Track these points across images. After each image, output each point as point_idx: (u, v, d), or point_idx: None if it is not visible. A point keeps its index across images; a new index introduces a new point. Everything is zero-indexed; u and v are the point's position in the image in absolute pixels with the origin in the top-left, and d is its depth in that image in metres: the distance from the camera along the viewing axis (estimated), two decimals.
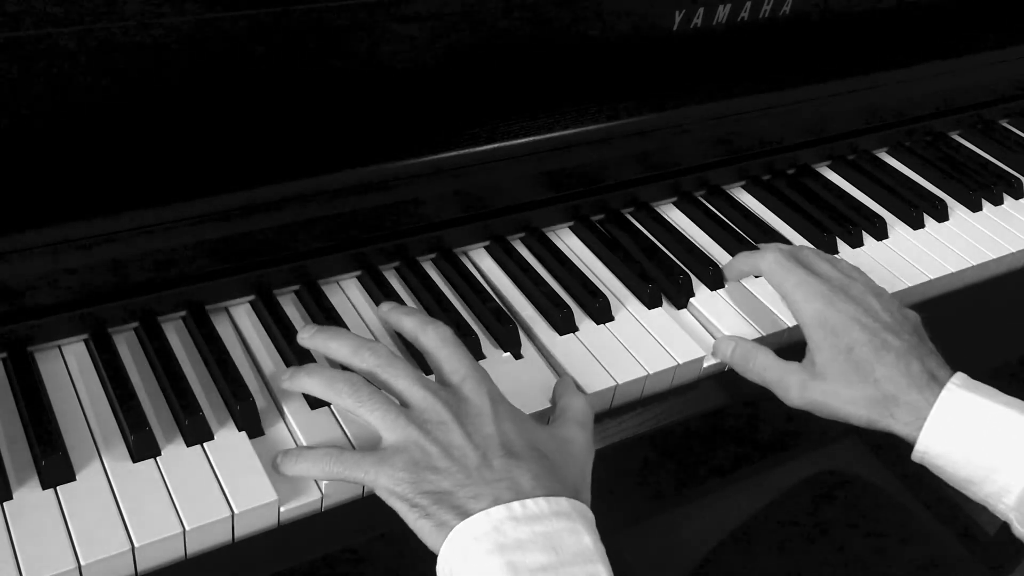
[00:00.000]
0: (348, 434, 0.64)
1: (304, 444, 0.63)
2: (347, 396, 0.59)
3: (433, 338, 0.63)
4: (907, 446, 0.68)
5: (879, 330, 0.69)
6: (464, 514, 0.54)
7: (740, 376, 0.76)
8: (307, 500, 0.60)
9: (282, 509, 0.59)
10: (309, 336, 0.64)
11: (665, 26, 0.85)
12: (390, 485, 0.56)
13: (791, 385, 0.71)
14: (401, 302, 0.74)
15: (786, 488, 1.04)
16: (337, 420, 0.64)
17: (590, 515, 0.57)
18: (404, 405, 0.59)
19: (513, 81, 0.81)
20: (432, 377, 0.63)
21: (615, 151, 0.84)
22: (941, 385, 0.67)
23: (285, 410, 0.65)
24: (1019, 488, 0.64)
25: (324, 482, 0.60)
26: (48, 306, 0.64)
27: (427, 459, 0.56)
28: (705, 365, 0.75)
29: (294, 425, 0.64)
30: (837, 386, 0.69)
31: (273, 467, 0.60)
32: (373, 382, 0.61)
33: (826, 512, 1.00)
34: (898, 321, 0.71)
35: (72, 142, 0.65)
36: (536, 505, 0.54)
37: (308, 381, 0.61)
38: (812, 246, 0.84)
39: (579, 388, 0.70)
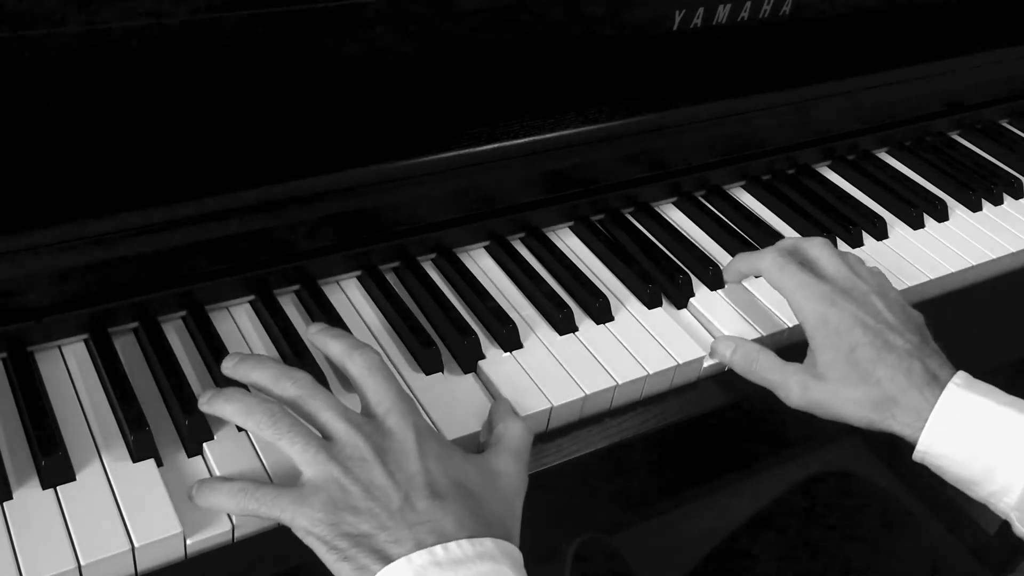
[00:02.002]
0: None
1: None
2: (266, 427, 0.56)
3: (359, 365, 0.60)
4: (908, 446, 0.68)
5: (882, 331, 0.69)
6: (385, 559, 0.52)
7: (739, 376, 0.76)
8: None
9: None
10: (232, 366, 0.61)
11: (665, 26, 0.85)
12: (307, 526, 0.53)
13: (792, 386, 0.70)
14: (401, 302, 0.74)
15: (786, 488, 1.04)
16: None
17: (517, 554, 0.55)
18: (327, 438, 0.57)
19: (513, 81, 0.81)
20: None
21: (615, 151, 0.84)
22: (942, 385, 0.67)
23: None
24: (1020, 487, 0.64)
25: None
26: (48, 306, 0.64)
27: (347, 499, 0.53)
28: (705, 365, 0.75)
29: None
30: (838, 386, 0.69)
31: (189, 497, 0.57)
32: (297, 413, 0.58)
33: (826, 512, 1.00)
34: (901, 321, 0.71)
35: (72, 142, 0.65)
36: (459, 548, 0.52)
37: (227, 407, 0.58)
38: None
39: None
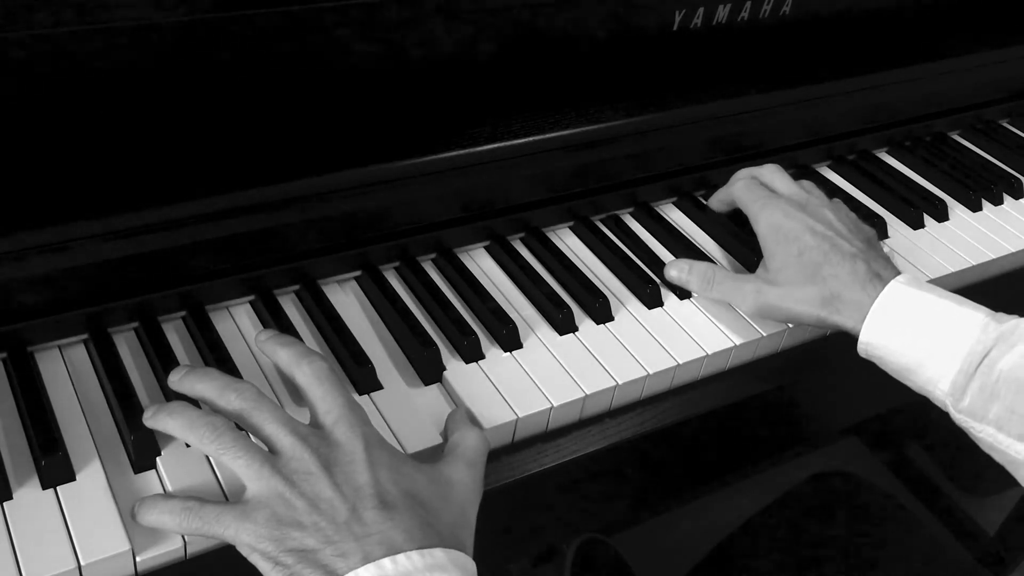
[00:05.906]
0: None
1: None
2: (209, 442, 0.55)
3: (307, 374, 0.59)
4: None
5: (831, 237, 0.75)
6: (331, 574, 0.51)
7: (740, 377, 0.77)
8: None
9: None
10: (178, 379, 0.60)
11: (665, 26, 0.85)
12: (251, 542, 0.52)
13: (747, 292, 0.75)
14: (401, 302, 0.74)
15: (786, 488, 1.04)
16: None
17: (470, 565, 0.54)
18: (273, 451, 0.55)
19: (514, 81, 0.81)
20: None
21: (615, 151, 0.84)
22: (885, 282, 0.71)
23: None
24: (952, 374, 0.67)
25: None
26: (48, 306, 0.64)
27: (292, 514, 0.52)
28: (704, 365, 0.75)
29: None
30: (789, 288, 0.74)
31: (132, 516, 0.56)
32: (243, 426, 0.57)
33: (826, 512, 1.00)
34: (850, 230, 0.77)
35: (71, 142, 0.65)
36: (408, 560, 0.51)
37: (170, 422, 0.57)
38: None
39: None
